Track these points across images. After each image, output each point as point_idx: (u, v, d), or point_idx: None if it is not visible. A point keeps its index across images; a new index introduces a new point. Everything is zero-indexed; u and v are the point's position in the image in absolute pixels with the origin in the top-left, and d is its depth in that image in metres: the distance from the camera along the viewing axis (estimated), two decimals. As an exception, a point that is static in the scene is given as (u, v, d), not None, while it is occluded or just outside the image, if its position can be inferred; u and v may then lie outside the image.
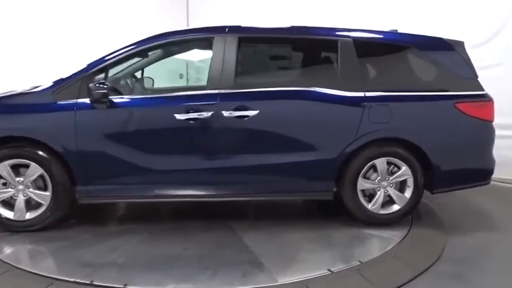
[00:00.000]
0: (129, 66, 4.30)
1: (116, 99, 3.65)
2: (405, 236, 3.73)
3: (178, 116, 3.61)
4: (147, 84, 4.88)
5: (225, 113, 3.64)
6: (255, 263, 3.18)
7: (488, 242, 3.78)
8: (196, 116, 3.62)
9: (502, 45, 5.74)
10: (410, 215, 4.09)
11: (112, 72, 3.81)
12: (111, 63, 3.71)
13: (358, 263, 3.21)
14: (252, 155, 3.77)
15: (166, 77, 7.15)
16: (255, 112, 3.65)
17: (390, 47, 3.99)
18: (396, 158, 3.85)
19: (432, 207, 4.50)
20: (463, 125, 3.87)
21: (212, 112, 3.63)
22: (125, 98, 3.71)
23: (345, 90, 3.77)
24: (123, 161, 3.64)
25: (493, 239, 3.85)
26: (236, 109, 3.64)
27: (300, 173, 3.82)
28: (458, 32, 4.69)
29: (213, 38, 3.78)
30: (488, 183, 4.07)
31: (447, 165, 3.88)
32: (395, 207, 3.93)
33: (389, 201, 3.96)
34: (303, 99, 3.75)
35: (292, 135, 3.75)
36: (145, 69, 4.63)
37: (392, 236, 3.71)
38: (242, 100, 3.68)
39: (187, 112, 3.62)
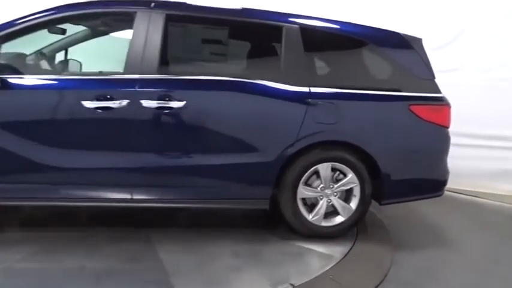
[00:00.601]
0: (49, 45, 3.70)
1: (12, 79, 3.02)
2: (348, 253, 3.28)
3: (86, 104, 3.01)
4: (71, 67, 4.23)
5: (145, 103, 3.06)
6: (162, 284, 2.64)
7: (439, 261, 3.39)
8: (108, 105, 3.03)
9: (462, 49, 5.44)
10: (356, 228, 3.66)
11: (5, 47, 3.15)
12: (5, 34, 3.06)
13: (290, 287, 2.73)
14: (175, 154, 3.23)
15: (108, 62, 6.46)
16: (181, 104, 3.10)
17: (343, 39, 3.52)
18: (342, 163, 3.39)
19: (380, 219, 4.09)
20: (417, 130, 3.46)
21: (128, 101, 3.05)
22: (25, 79, 3.08)
23: (287, 84, 3.28)
24: (19, 156, 3.01)
25: (444, 258, 3.46)
26: (158, 99, 3.08)
27: (232, 178, 3.30)
28: (419, 33, 4.32)
29: (135, 13, 3.19)
30: (441, 194, 3.69)
31: (398, 174, 3.46)
32: (339, 219, 3.48)
33: (332, 212, 3.51)
34: (239, 92, 3.23)
35: (223, 133, 3.22)
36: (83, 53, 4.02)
37: (334, 253, 3.25)
38: (166, 88, 3.13)
39: (98, 100, 3.02)
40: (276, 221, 3.58)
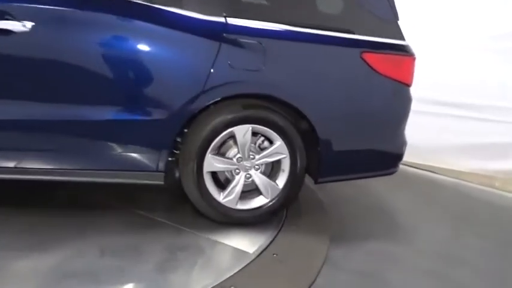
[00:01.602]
0: None
1: None
2: (267, 247, 2.43)
3: None
4: None
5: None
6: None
7: (385, 260, 2.61)
8: None
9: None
10: (284, 213, 2.81)
11: None
12: None
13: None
14: (25, 103, 2.22)
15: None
16: (27, 26, 2.08)
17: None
18: (267, 127, 2.48)
19: (319, 200, 3.25)
20: (369, 86, 2.58)
21: None
22: None
23: (194, 11, 2.30)
24: None
25: (391, 255, 2.68)
26: (-12, 16, 2.04)
27: (113, 141, 2.35)
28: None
29: None
30: (394, 172, 2.88)
31: (341, 144, 2.61)
32: (261, 201, 2.61)
33: (253, 191, 2.64)
34: (124, 17, 2.23)
35: (98, 74, 2.23)
36: None
37: (249, 247, 2.39)
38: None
39: None
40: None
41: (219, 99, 2.37)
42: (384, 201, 3.50)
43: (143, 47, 2.25)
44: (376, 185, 3.54)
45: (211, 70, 2.30)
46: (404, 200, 3.61)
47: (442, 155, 4.58)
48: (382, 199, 3.53)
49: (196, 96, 2.32)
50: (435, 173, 4.50)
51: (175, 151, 2.53)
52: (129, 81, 2.28)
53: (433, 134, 4.54)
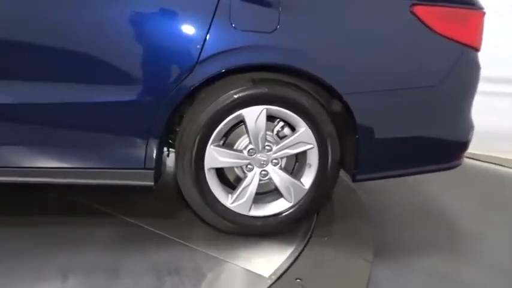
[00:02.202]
0: None
1: None
2: (288, 269, 1.82)
3: None
4: None
5: None
6: None
7: (448, 280, 1.96)
8: None
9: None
10: (313, 220, 2.20)
11: None
12: None
13: None
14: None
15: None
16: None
17: None
18: (287, 108, 1.88)
19: (358, 199, 2.61)
20: (423, 50, 1.93)
21: None
22: None
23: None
24: None
25: (454, 273, 2.03)
26: None
27: (82, 130, 1.82)
28: None
29: None
30: (457, 165, 2.21)
31: (387, 130, 1.97)
32: (282, 205, 2.01)
33: (271, 193, 2.05)
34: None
35: (62, 44, 1.71)
36: None
37: (265, 270, 1.79)
38: None
39: None
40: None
41: (220, 72, 1.79)
42: (440, 204, 2.80)
43: (122, 6, 1.71)
44: (429, 183, 2.86)
45: (208, 33, 1.73)
46: (465, 202, 2.88)
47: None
48: (437, 200, 2.83)
49: (190, 69, 1.75)
50: (503, 166, 3.72)
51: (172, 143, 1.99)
52: (99, 52, 1.73)
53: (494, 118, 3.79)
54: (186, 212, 2.08)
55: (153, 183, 1.89)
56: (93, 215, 2.12)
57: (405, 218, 2.51)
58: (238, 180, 2.00)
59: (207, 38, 1.73)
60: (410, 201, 2.73)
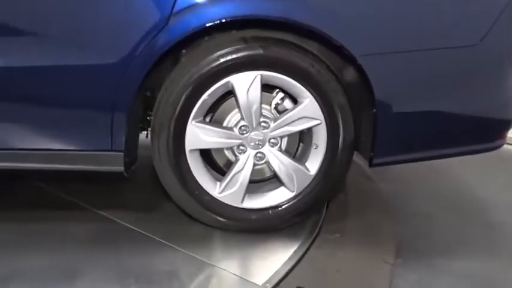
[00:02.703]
0: None
1: None
2: (287, 275, 1.45)
3: None
4: None
5: None
6: None
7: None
8: None
9: None
10: (322, 213, 1.83)
11: None
12: None
13: None
14: None
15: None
16: None
17: None
18: (286, 74, 1.51)
19: (377, 189, 2.23)
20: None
21: None
22: None
23: None
24: None
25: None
26: None
27: (38, 103, 1.48)
28: None
29: None
30: (499, 146, 1.79)
31: (411, 103, 1.59)
32: (283, 195, 1.65)
33: (269, 180, 1.69)
34: None
35: None
36: None
37: (258, 277, 1.43)
38: None
39: None
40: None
41: (202, 28, 1.42)
42: (474, 194, 2.38)
43: None
44: (461, 169, 2.45)
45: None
46: (504, 193, 2.47)
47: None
48: (471, 190, 2.41)
49: (162, 24, 1.39)
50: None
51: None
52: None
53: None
54: (167, 204, 1.73)
55: (122, 169, 1.54)
56: (58, 207, 1.78)
57: (433, 212, 2.10)
58: (229, 164, 1.64)
59: (183, -18, 1.37)
60: (439, 191, 2.31)
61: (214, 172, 1.68)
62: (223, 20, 1.41)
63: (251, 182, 1.62)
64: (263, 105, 1.57)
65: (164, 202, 1.76)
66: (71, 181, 1.93)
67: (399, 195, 2.20)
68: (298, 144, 1.70)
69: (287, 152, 1.65)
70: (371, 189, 2.22)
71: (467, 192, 2.35)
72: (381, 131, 1.59)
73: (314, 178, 1.62)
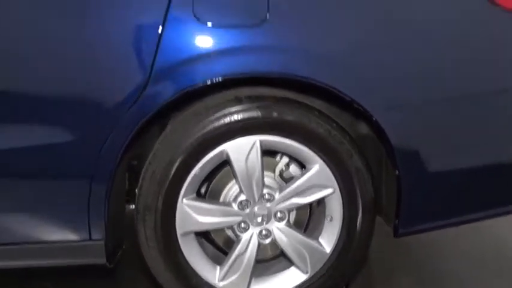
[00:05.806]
0: None
1: None
2: None
3: None
4: None
5: None
6: None
7: None
8: None
9: None
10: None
11: None
12: None
13: None
14: None
15: None
16: None
17: None
18: (290, 137, 1.27)
19: (409, 248, 1.94)
20: (490, 35, 1.30)
21: None
22: None
23: None
24: None
25: None
26: None
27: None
28: None
29: None
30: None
31: (444, 159, 1.33)
32: (295, 278, 1.37)
33: (277, 259, 1.43)
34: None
35: None
36: None
37: None
38: None
39: None
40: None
41: (187, 89, 1.20)
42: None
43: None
44: (498, 223, 2.15)
45: (162, 32, 1.15)
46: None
47: None
48: None
49: (140, 89, 1.17)
50: None
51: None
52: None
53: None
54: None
55: (104, 260, 1.30)
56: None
57: (477, 275, 1.80)
58: (230, 243, 1.38)
59: (161, 39, 1.15)
60: (480, 249, 2.00)
61: (213, 249, 1.43)
62: (208, 82, 1.19)
63: (257, 262, 1.36)
64: (266, 173, 1.32)
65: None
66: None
67: (433, 257, 1.90)
68: (309, 215, 1.44)
69: (297, 224, 1.39)
70: (398, 251, 1.92)
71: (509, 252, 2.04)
72: (407, 195, 1.33)
73: (330, 256, 1.36)
